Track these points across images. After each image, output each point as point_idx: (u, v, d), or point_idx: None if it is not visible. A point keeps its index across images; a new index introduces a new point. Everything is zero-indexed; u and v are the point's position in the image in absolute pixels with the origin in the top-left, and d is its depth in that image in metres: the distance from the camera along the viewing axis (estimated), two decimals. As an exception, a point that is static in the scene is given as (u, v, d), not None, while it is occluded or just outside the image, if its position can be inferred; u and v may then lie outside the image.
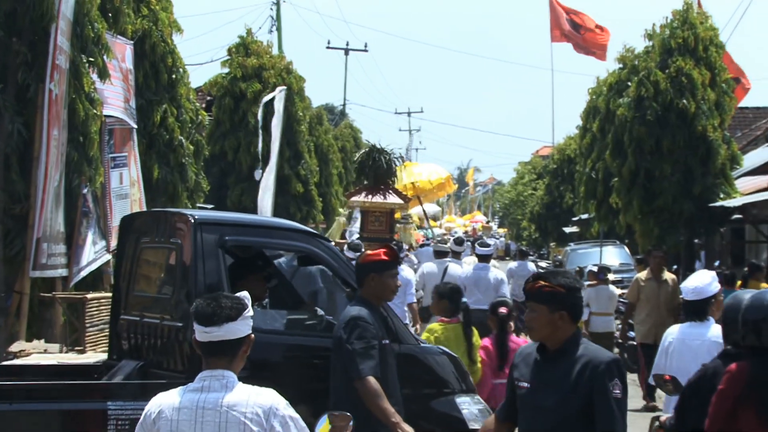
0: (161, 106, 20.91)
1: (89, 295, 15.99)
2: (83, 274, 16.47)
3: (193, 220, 8.95)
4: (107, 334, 16.39)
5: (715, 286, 9.71)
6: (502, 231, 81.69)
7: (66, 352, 13.88)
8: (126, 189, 18.53)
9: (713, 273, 9.96)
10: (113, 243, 17.75)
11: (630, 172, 26.06)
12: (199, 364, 5.23)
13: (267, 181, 23.49)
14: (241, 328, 5.07)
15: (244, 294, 5.21)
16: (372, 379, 7.76)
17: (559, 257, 37.70)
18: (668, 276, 18.39)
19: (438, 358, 9.75)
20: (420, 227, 49.72)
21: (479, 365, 11.32)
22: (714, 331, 9.48)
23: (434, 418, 9.54)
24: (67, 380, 9.44)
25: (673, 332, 10.14)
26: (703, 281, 9.64)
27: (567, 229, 50.20)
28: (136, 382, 8.79)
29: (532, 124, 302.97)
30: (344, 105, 73.72)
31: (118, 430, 7.93)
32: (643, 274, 18.56)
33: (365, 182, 26.58)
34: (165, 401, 5.08)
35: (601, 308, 20.15)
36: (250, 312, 5.13)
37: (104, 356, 10.90)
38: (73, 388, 8.71)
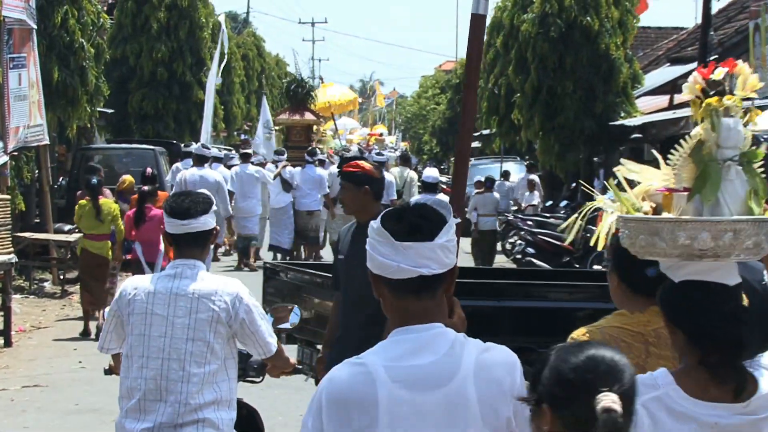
0: (62, 7, 20.54)
1: (-14, 197, 15.80)
2: (-20, 175, 16.25)
3: None
4: (3, 236, 16.28)
5: None
6: (404, 145, 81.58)
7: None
8: (25, 90, 18.23)
9: None
10: (11, 145, 17.51)
11: (532, 89, 26.20)
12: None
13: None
14: (211, 220, 5.56)
15: (208, 193, 5.72)
16: None
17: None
18: None
19: None
20: (334, 137, 50.48)
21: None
22: None
23: None
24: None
25: None
26: None
27: (468, 144, 50.32)
28: None
29: (436, 38, 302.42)
30: (248, 13, 73.12)
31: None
32: None
33: (288, 104, 30.81)
34: (141, 284, 5.47)
35: (486, 211, 23.72)
36: (215, 208, 5.65)
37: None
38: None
